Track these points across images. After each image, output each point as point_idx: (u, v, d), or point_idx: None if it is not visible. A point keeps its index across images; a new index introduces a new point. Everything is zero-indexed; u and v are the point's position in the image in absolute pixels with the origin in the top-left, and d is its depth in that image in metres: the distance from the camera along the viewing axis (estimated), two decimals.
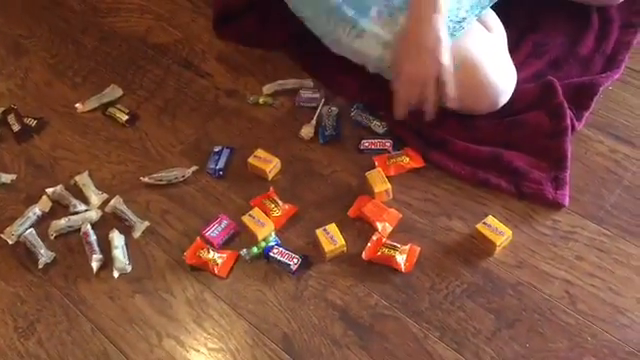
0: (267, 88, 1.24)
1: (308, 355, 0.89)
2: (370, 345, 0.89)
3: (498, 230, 0.96)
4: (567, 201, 0.99)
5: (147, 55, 1.36)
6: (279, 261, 0.97)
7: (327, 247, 0.97)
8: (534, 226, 0.99)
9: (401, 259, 0.95)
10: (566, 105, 1.07)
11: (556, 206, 1.00)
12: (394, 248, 0.96)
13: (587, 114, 1.09)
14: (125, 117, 1.22)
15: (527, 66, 1.16)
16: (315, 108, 1.18)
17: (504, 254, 0.96)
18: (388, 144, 1.10)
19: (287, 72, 1.26)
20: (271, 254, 0.98)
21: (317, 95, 1.20)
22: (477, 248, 0.97)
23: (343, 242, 0.98)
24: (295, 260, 0.97)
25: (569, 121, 1.06)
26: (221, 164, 1.11)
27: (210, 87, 1.27)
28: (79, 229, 1.06)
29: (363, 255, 0.97)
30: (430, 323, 0.90)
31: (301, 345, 0.90)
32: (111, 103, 1.26)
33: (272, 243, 0.99)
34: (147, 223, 1.06)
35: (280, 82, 1.24)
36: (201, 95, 1.26)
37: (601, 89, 1.12)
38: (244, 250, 0.99)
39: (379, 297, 0.94)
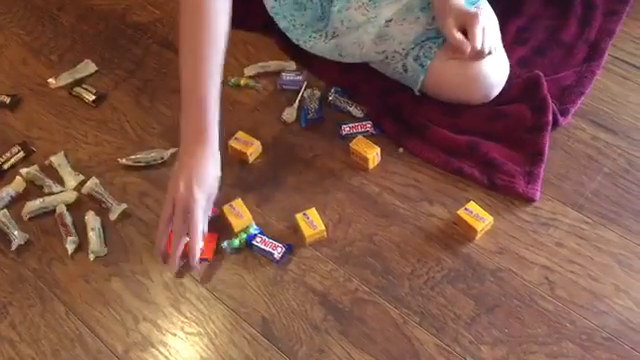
0: (248, 70, 1.22)
1: (287, 339, 0.89)
2: (349, 330, 0.89)
3: (479, 216, 0.96)
4: (538, 196, 0.99)
5: (126, 34, 1.33)
6: (262, 250, 0.96)
7: (307, 232, 0.96)
8: (515, 212, 0.99)
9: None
10: (550, 100, 1.06)
11: (527, 200, 0.99)
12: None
13: (573, 110, 1.09)
14: (92, 97, 1.19)
15: (511, 52, 1.15)
16: (298, 91, 1.17)
17: (485, 240, 0.96)
18: (369, 126, 1.09)
19: (269, 54, 1.24)
20: (254, 243, 0.96)
21: (300, 77, 1.19)
22: (458, 234, 0.97)
23: (323, 227, 0.97)
24: (279, 249, 0.96)
25: (550, 116, 1.05)
26: None
27: None
28: (54, 211, 1.03)
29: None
30: (410, 308, 0.90)
31: (280, 330, 0.90)
32: (84, 79, 1.23)
33: (255, 232, 0.98)
34: (124, 205, 1.04)
35: (262, 64, 1.22)
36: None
37: (588, 89, 1.11)
38: (225, 243, 0.97)
39: (359, 282, 0.93)
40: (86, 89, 1.21)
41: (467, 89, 1.05)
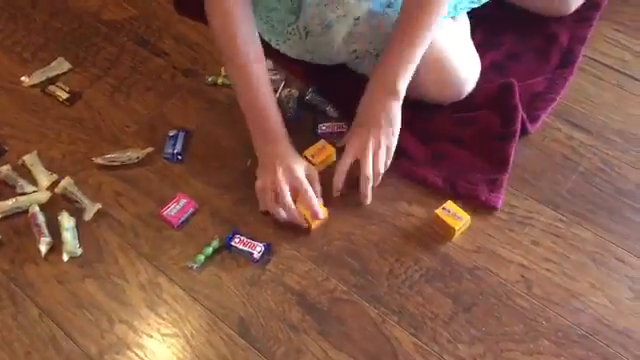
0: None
1: (265, 340, 0.88)
2: (328, 330, 0.88)
3: (457, 215, 0.96)
4: (500, 204, 0.99)
5: (100, 32, 1.31)
6: (241, 250, 0.95)
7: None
8: (492, 212, 0.99)
9: None
10: (520, 109, 1.06)
11: (489, 208, 0.99)
12: None
13: (544, 116, 1.10)
14: (66, 95, 1.17)
15: (486, 55, 1.16)
16: (275, 90, 1.16)
17: (462, 239, 0.96)
18: (345, 127, 1.09)
19: None
20: (233, 244, 0.95)
21: (278, 77, 1.18)
22: (436, 233, 0.97)
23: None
24: (258, 248, 0.95)
25: (519, 126, 1.05)
26: (178, 148, 1.08)
27: (167, 66, 1.24)
28: (27, 211, 1.01)
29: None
30: (388, 307, 0.90)
31: (258, 330, 0.89)
32: (58, 77, 1.21)
33: (233, 233, 0.97)
34: (99, 205, 1.02)
35: None
36: (157, 74, 1.22)
37: (558, 98, 1.12)
38: (189, 263, 0.95)
39: (337, 282, 0.93)
40: (60, 87, 1.19)
41: (440, 86, 1.05)
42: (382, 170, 0.99)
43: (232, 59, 1.00)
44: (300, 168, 0.97)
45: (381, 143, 0.98)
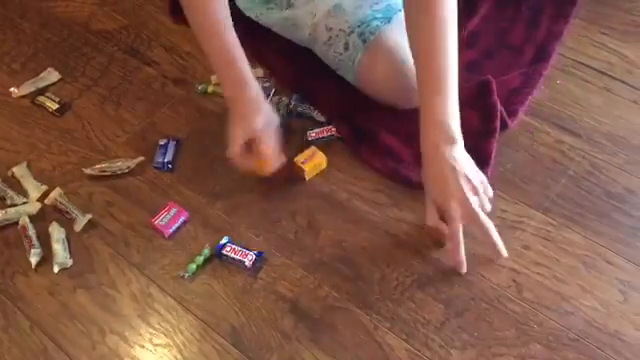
0: (216, 77, 1.21)
1: (257, 349, 0.88)
2: (320, 337, 0.88)
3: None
4: None
5: (90, 41, 1.31)
6: (233, 259, 0.95)
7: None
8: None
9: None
10: (499, 107, 1.07)
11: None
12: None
13: (522, 110, 1.10)
14: (55, 106, 1.17)
15: (461, 55, 1.16)
16: (266, 98, 1.16)
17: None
18: (334, 129, 1.10)
19: None
20: (224, 252, 0.95)
21: (268, 84, 1.18)
22: (427, 239, 0.97)
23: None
24: (250, 257, 0.95)
25: (498, 123, 1.06)
26: (169, 157, 1.08)
27: (157, 75, 1.24)
28: (17, 222, 1.01)
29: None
30: (380, 314, 0.90)
31: (250, 339, 0.89)
32: (47, 88, 1.21)
33: (224, 241, 0.97)
34: (89, 216, 1.02)
35: None
36: (147, 84, 1.22)
37: (535, 92, 1.13)
38: (180, 272, 0.95)
39: (329, 289, 0.93)
40: (49, 98, 1.19)
41: (392, 84, 1.04)
42: (488, 206, 0.93)
43: (196, 12, 0.97)
44: (272, 120, 1.00)
45: (476, 201, 0.90)
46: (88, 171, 1.07)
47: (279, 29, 1.18)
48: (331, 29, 1.09)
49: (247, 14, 1.20)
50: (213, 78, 1.20)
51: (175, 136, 1.12)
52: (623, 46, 1.23)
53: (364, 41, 1.05)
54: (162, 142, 1.10)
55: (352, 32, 1.07)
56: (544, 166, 1.05)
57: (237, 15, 1.18)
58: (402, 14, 0.98)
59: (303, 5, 1.10)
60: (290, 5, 1.11)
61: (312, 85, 1.16)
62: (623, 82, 1.17)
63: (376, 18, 1.07)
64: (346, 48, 1.08)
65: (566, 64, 1.19)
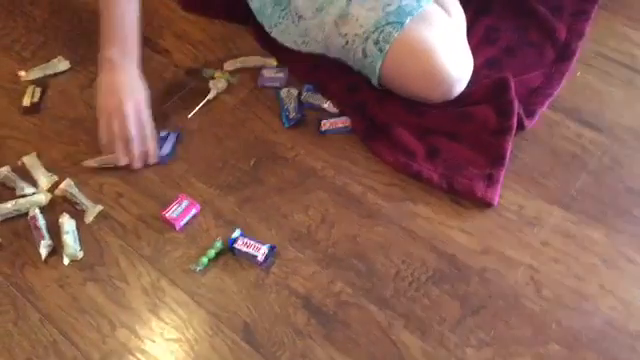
0: (228, 64, 1.19)
1: (269, 345, 0.86)
2: (333, 334, 0.87)
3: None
4: (497, 200, 0.97)
5: None
6: (245, 253, 0.93)
7: None
8: (500, 211, 0.97)
9: None
10: (516, 104, 1.04)
11: (485, 204, 0.97)
12: None
13: (540, 112, 1.08)
14: (30, 101, 1.15)
15: (480, 52, 1.14)
16: (279, 88, 1.14)
17: (470, 240, 0.95)
18: (348, 122, 1.08)
19: (250, 51, 1.21)
20: (236, 246, 0.94)
21: (281, 75, 1.16)
22: (443, 234, 0.95)
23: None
24: (262, 250, 0.93)
25: (515, 120, 1.03)
26: (167, 149, 1.06)
27: (168, 64, 1.22)
28: (26, 213, 1.00)
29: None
30: (395, 311, 0.88)
31: (262, 334, 0.87)
32: (56, 76, 1.20)
33: (236, 235, 0.95)
34: (100, 207, 1.01)
35: (242, 59, 1.20)
36: (158, 73, 1.20)
37: (555, 93, 1.10)
38: (192, 265, 0.94)
39: (343, 285, 0.91)
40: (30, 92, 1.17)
41: (427, 86, 1.03)
42: None
43: None
44: (148, 108, 1.03)
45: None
46: (91, 163, 1.05)
47: (292, 44, 1.15)
48: (346, 34, 1.06)
49: (259, 19, 1.18)
50: (226, 65, 1.19)
51: (185, 127, 1.10)
52: None
53: (380, 50, 1.03)
54: (162, 134, 1.08)
55: (367, 38, 1.04)
56: (564, 161, 1.03)
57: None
58: (415, 18, 0.99)
59: (312, 18, 1.08)
60: (300, 17, 1.09)
61: (321, 76, 1.14)
62: None
63: (389, 23, 1.03)
64: (365, 55, 1.05)
65: (587, 56, 1.16)
